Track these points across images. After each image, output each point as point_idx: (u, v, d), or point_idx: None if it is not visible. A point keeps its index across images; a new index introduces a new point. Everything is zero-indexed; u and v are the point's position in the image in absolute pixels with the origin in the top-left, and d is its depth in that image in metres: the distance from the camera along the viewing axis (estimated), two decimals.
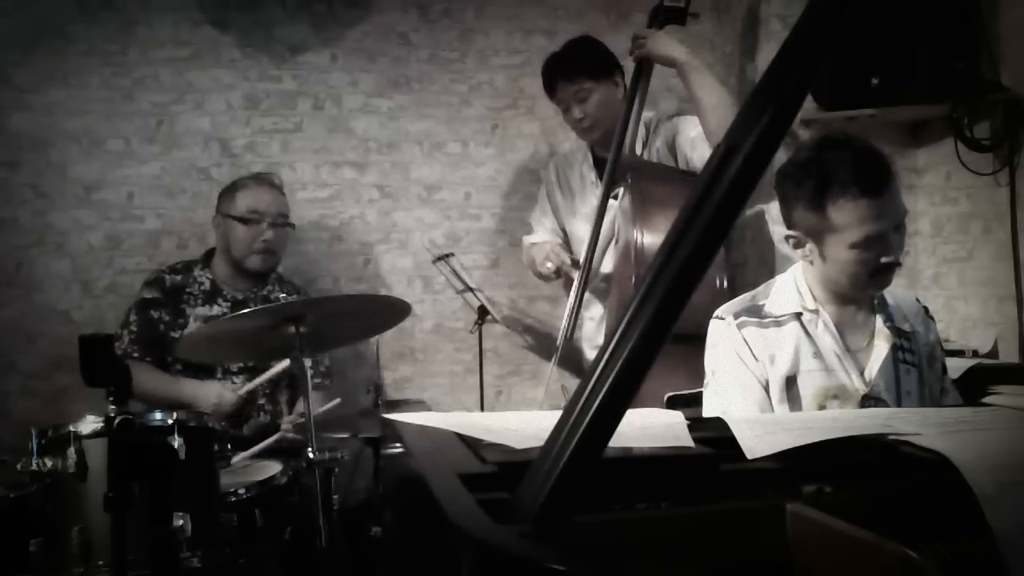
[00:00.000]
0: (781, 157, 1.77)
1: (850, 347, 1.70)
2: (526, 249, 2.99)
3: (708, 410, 1.73)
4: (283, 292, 2.82)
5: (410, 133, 3.30)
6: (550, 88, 2.78)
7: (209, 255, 2.84)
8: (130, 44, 3.10)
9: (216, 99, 3.17)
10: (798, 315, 1.71)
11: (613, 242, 2.71)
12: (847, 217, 1.59)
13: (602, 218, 2.66)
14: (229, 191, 2.79)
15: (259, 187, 2.79)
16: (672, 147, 2.69)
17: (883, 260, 1.62)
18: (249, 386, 2.61)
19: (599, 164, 2.77)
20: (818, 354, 1.69)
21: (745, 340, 1.71)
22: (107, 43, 3.08)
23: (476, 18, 3.33)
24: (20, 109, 3.02)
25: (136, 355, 2.65)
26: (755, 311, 1.74)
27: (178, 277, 2.75)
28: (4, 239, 3.01)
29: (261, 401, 2.73)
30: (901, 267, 1.66)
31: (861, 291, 1.69)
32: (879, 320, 1.73)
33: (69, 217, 3.07)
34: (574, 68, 2.70)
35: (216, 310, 2.72)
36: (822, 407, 1.66)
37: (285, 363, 2.51)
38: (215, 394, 2.55)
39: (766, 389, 1.70)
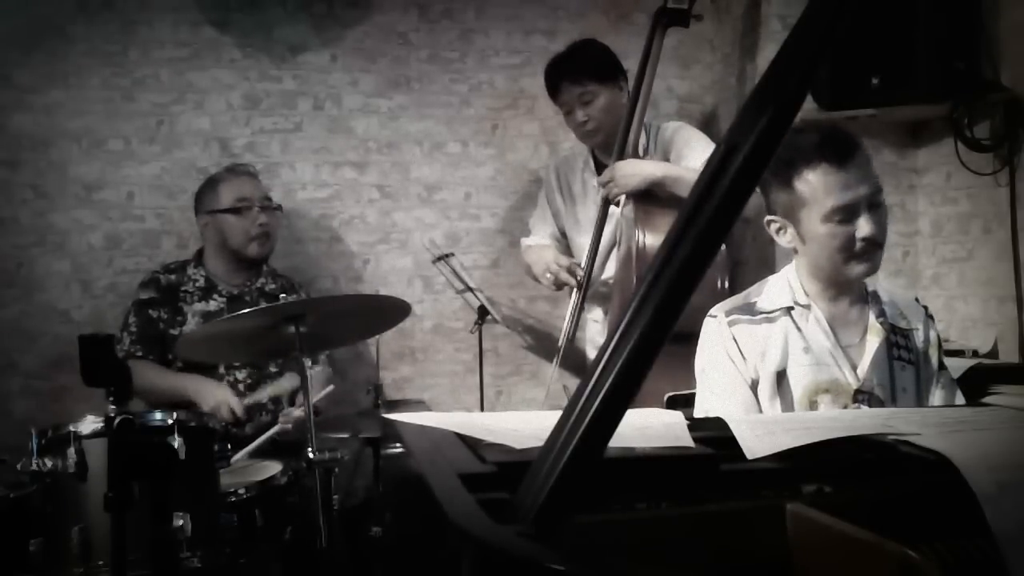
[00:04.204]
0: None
1: (842, 342, 1.70)
2: (523, 252, 2.98)
3: (697, 408, 1.73)
4: (276, 284, 2.82)
5: (410, 133, 3.30)
6: (553, 89, 2.75)
7: (200, 253, 2.84)
8: (130, 44, 3.10)
9: (216, 99, 3.17)
10: (789, 310, 1.72)
11: (615, 248, 2.70)
12: (812, 188, 1.61)
13: (603, 224, 2.66)
14: (208, 188, 2.80)
15: (237, 177, 2.80)
16: (668, 157, 2.68)
17: (858, 235, 1.61)
18: (256, 396, 2.60)
19: (600, 170, 2.76)
20: (808, 349, 1.69)
21: (734, 338, 1.71)
22: (107, 43, 3.08)
23: (476, 18, 3.33)
24: (20, 109, 3.02)
25: (139, 354, 2.65)
26: (747, 308, 1.74)
27: (172, 276, 2.76)
28: (4, 239, 3.02)
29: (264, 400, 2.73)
30: (882, 248, 1.65)
31: (842, 273, 1.67)
32: (872, 315, 1.73)
33: (69, 217, 3.07)
34: (580, 70, 2.67)
35: (213, 305, 2.73)
36: (813, 402, 1.66)
37: (294, 382, 2.51)
38: (216, 399, 2.50)
39: (754, 389, 1.70)
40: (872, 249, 1.64)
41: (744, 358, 1.70)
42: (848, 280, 1.71)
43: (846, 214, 1.60)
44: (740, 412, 1.66)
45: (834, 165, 1.59)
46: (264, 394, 2.63)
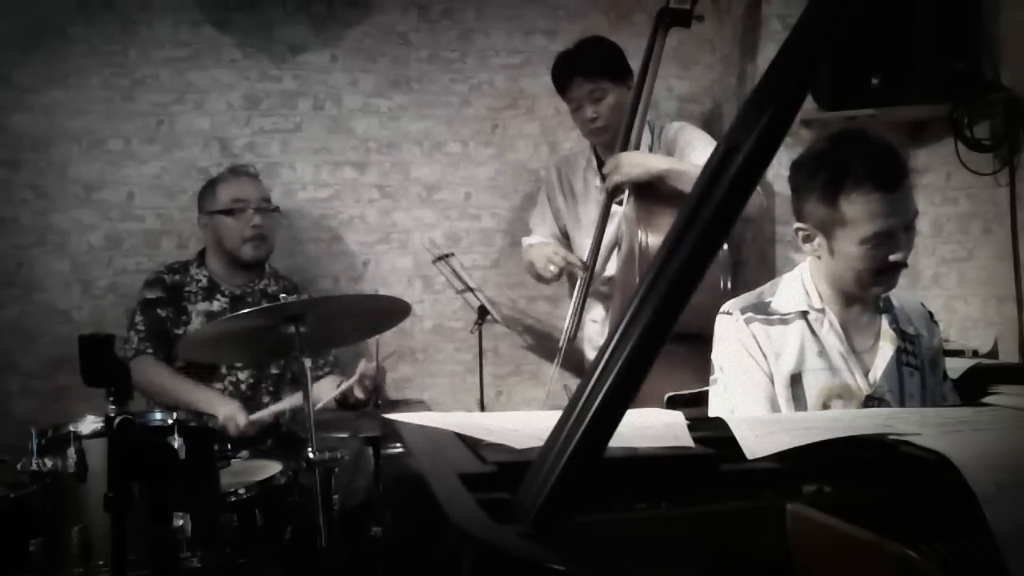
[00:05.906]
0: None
1: (855, 348, 1.70)
2: (525, 251, 2.98)
3: (716, 405, 1.72)
4: (278, 286, 2.82)
5: (410, 133, 3.30)
6: (563, 85, 2.74)
7: (203, 254, 2.84)
8: (130, 44, 3.10)
9: (216, 99, 3.17)
10: (804, 314, 1.71)
11: (616, 247, 2.70)
12: (859, 211, 1.58)
13: (605, 223, 2.65)
14: (208, 189, 2.81)
15: (237, 178, 2.81)
16: (671, 156, 2.68)
17: (891, 258, 1.61)
18: (261, 414, 2.58)
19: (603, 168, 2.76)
20: (823, 353, 1.68)
21: (753, 335, 1.70)
22: (107, 43, 3.08)
23: (476, 18, 3.33)
24: (20, 109, 3.02)
25: (150, 351, 2.64)
26: (761, 308, 1.74)
27: (176, 276, 2.76)
28: (4, 239, 3.01)
29: (266, 400, 2.73)
30: (907, 268, 1.66)
31: (865, 289, 1.68)
32: (884, 322, 1.73)
33: (69, 217, 3.07)
34: (593, 67, 2.67)
35: (216, 305, 2.73)
36: (826, 406, 1.66)
37: (297, 399, 2.51)
38: (224, 415, 2.46)
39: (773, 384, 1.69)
40: (897, 269, 1.64)
41: (764, 356, 1.70)
42: (864, 296, 1.71)
43: (883, 239, 1.59)
44: (765, 408, 1.66)
45: (885, 192, 1.57)
46: (268, 412, 2.61)
